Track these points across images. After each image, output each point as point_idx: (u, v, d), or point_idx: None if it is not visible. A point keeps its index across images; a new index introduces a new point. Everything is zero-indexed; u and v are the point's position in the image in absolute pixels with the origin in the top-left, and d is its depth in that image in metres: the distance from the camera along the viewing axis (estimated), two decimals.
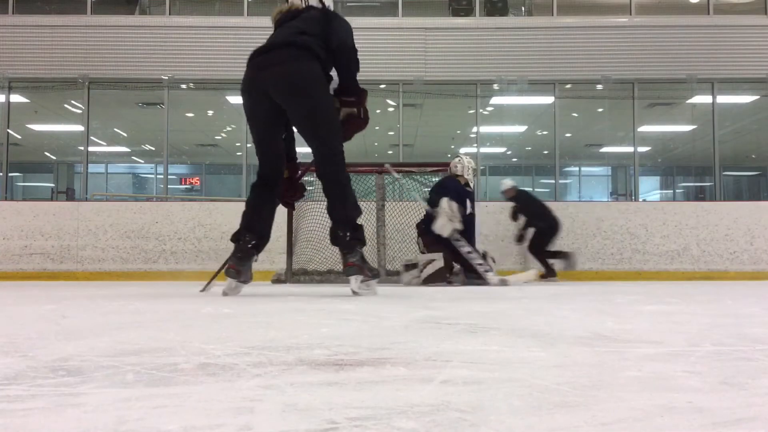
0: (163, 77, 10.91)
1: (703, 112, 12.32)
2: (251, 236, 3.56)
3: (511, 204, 7.93)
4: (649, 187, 19.02)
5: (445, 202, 6.14)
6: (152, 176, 17.11)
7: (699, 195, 17.24)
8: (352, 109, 3.68)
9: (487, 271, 6.01)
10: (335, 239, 3.60)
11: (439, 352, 1.28)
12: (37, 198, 17.99)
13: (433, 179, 7.01)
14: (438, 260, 6.18)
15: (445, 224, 6.06)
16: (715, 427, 0.71)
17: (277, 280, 6.42)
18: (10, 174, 12.25)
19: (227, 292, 3.56)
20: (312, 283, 6.30)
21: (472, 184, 6.68)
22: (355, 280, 3.53)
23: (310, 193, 7.58)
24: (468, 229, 6.27)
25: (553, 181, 12.78)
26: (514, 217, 7.86)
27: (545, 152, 14.49)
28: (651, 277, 7.65)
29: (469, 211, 6.38)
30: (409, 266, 6.34)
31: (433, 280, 6.07)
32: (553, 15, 11.43)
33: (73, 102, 11.58)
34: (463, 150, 14.63)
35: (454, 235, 6.10)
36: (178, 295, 3.78)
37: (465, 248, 6.08)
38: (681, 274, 7.73)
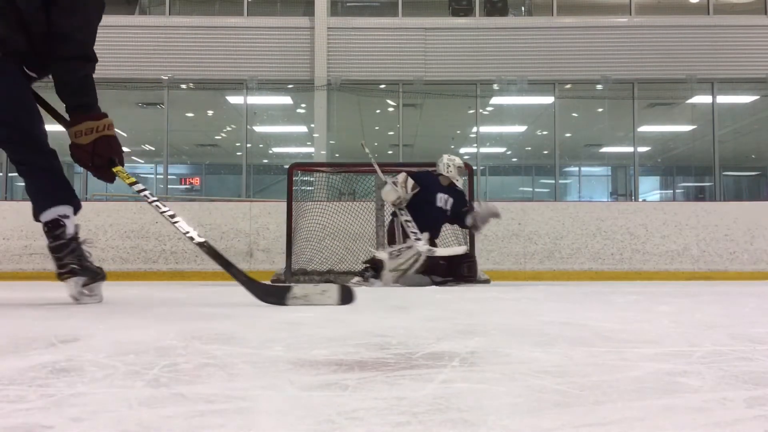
0: (163, 77, 10.92)
1: (703, 112, 12.32)
2: None
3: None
4: (649, 187, 19.01)
5: (401, 175, 6.02)
6: (152, 176, 17.08)
7: (699, 195, 17.23)
8: None
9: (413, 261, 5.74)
10: None
11: (439, 352, 1.28)
12: None
13: None
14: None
15: (390, 191, 5.93)
16: (715, 427, 0.71)
17: (277, 280, 6.41)
18: (10, 174, 12.21)
19: None
20: (312, 283, 6.29)
21: (459, 184, 6.41)
22: None
23: (309, 193, 7.56)
24: (421, 217, 5.90)
25: (553, 181, 12.78)
26: None
27: (545, 152, 14.49)
28: (651, 277, 7.65)
29: (439, 204, 6.18)
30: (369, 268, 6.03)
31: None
32: (553, 15, 11.44)
33: None
34: (463, 150, 14.63)
35: (399, 205, 5.84)
36: (178, 296, 3.78)
37: (404, 217, 5.89)
38: (681, 274, 7.72)
